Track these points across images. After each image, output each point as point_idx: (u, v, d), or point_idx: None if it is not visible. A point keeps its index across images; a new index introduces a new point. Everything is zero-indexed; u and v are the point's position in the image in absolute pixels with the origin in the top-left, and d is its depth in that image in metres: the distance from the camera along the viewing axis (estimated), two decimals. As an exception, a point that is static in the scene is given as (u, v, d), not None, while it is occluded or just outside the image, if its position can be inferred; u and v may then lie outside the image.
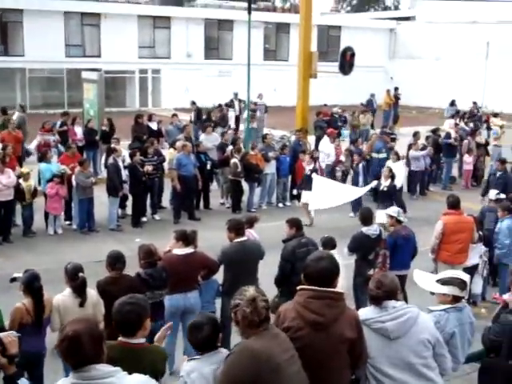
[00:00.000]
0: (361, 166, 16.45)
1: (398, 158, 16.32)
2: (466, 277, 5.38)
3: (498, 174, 15.13)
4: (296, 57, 21.31)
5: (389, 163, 15.84)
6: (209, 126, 18.68)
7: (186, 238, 8.02)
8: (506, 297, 5.58)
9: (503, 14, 36.07)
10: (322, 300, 4.32)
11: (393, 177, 14.26)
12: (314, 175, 13.93)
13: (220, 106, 24.80)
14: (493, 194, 11.90)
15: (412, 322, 4.57)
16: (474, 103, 28.64)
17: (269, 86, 33.05)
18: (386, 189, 13.95)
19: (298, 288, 4.45)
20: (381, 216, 13.14)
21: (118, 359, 3.87)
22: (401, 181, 16.09)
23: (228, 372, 4.02)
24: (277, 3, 58.40)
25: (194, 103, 24.89)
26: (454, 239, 9.84)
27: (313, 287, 4.36)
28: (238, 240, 8.16)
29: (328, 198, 12.27)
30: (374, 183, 14.37)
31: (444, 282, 5.23)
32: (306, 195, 14.66)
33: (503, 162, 15.50)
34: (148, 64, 35.36)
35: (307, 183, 14.43)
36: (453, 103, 30.09)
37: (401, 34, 43.32)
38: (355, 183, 16.28)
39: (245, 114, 23.94)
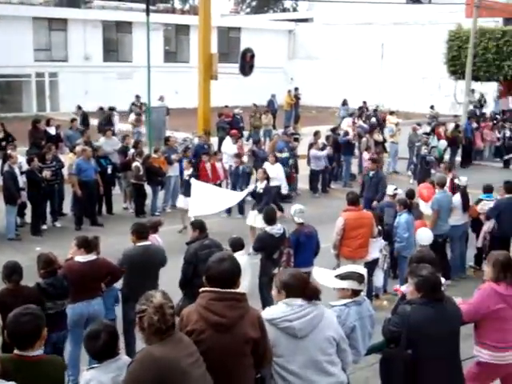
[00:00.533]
0: (241, 168, 16.58)
1: (276, 161, 16.43)
2: (363, 270, 5.53)
3: (371, 173, 14.98)
4: (197, 59, 21.27)
5: (266, 165, 15.93)
6: (109, 129, 18.36)
7: (88, 245, 7.85)
8: (403, 288, 5.76)
9: (397, 16, 37.36)
10: (224, 301, 4.32)
11: (268, 178, 14.32)
12: (192, 180, 13.51)
13: (101, 108, 24.37)
14: (391, 189, 12.25)
15: (318, 319, 4.62)
16: (364, 102, 29.54)
17: (170, 88, 32.81)
18: (261, 191, 13.94)
19: (201, 290, 4.44)
20: (251, 218, 13.32)
21: (14, 373, 3.74)
22: (282, 181, 16.36)
23: (131, 380, 3.95)
24: (176, 5, 58.08)
25: (79, 108, 24.39)
26: (355, 235, 10.07)
27: (215, 289, 4.35)
28: (141, 244, 8.08)
29: (207, 204, 11.95)
30: (251, 187, 14.36)
31: (343, 276, 5.34)
32: (181, 200, 14.66)
33: (374, 161, 15.43)
34: (45, 67, 34.31)
35: (186, 188, 14.15)
36: (344, 103, 30.83)
37: (299, 36, 44.06)
38: (234, 186, 16.46)
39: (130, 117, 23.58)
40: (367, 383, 6.76)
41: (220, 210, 12.90)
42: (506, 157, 23.75)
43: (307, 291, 4.65)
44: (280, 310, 4.60)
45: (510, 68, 28.70)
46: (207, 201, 12.00)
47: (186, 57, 39.06)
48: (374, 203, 13.79)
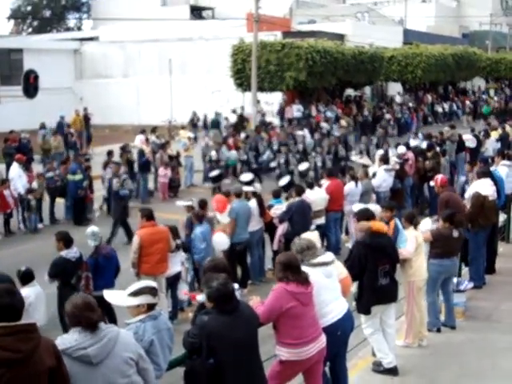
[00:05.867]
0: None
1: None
2: (153, 283, 5.52)
3: None
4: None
5: None
6: None
7: None
8: (199, 298, 5.79)
9: (182, 31, 38.03)
10: (14, 335, 4.07)
11: None
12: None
13: None
14: (182, 202, 12.37)
15: (113, 342, 4.51)
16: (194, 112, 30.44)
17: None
18: None
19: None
20: None
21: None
22: None
23: None
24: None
25: None
26: (152, 251, 10.02)
27: (3, 324, 4.09)
28: None
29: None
30: None
31: (135, 293, 5.28)
32: None
33: None
34: None
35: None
36: (42, 126, 29.86)
37: (86, 54, 43.18)
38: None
39: None
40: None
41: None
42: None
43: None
44: (73, 338, 4.43)
45: (291, 78, 30.32)
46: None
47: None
48: None
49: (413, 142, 20.96)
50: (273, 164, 22.29)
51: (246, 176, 14.41)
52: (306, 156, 22.96)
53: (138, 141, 22.44)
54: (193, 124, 31.48)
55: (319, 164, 21.78)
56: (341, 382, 6.91)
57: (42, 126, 25.49)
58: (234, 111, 31.48)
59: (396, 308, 8.11)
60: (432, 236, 9.16)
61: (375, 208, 9.24)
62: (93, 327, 4.49)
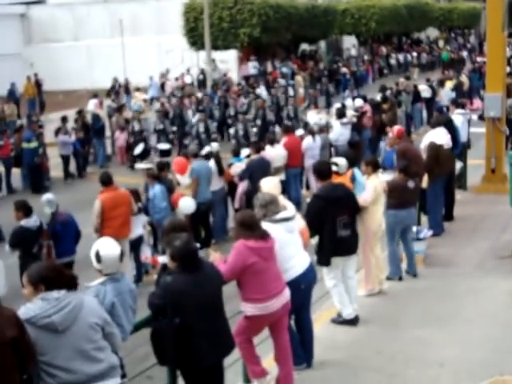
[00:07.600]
0: None
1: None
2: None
3: None
4: None
5: None
6: None
7: None
8: (161, 259, 5.79)
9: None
10: None
11: None
12: None
13: None
14: (141, 165, 12.30)
15: (78, 308, 4.47)
16: (115, 79, 29.51)
17: None
18: None
19: None
20: None
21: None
22: None
23: None
24: None
25: None
26: (114, 214, 9.98)
27: None
28: None
29: None
30: None
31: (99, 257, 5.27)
32: None
33: None
34: None
35: None
36: None
37: (34, 19, 41.95)
38: None
39: None
40: (147, 359, 6.73)
41: None
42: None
43: (64, 281, 4.50)
44: (36, 306, 4.36)
45: (245, 35, 30.04)
46: None
47: None
48: None
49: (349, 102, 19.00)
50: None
51: (163, 145, 14.02)
52: (236, 121, 20.51)
53: (92, 105, 22.06)
54: (115, 91, 30.04)
55: (241, 132, 19.30)
56: (306, 334, 7.00)
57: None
58: (188, 71, 31.14)
59: (357, 259, 8.20)
60: (388, 186, 9.21)
61: (341, 161, 9.18)
62: (75, 286, 4.52)
